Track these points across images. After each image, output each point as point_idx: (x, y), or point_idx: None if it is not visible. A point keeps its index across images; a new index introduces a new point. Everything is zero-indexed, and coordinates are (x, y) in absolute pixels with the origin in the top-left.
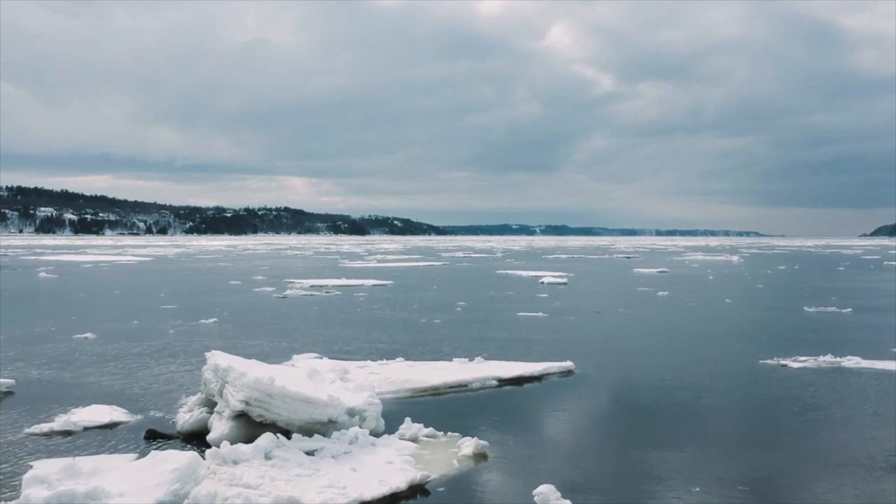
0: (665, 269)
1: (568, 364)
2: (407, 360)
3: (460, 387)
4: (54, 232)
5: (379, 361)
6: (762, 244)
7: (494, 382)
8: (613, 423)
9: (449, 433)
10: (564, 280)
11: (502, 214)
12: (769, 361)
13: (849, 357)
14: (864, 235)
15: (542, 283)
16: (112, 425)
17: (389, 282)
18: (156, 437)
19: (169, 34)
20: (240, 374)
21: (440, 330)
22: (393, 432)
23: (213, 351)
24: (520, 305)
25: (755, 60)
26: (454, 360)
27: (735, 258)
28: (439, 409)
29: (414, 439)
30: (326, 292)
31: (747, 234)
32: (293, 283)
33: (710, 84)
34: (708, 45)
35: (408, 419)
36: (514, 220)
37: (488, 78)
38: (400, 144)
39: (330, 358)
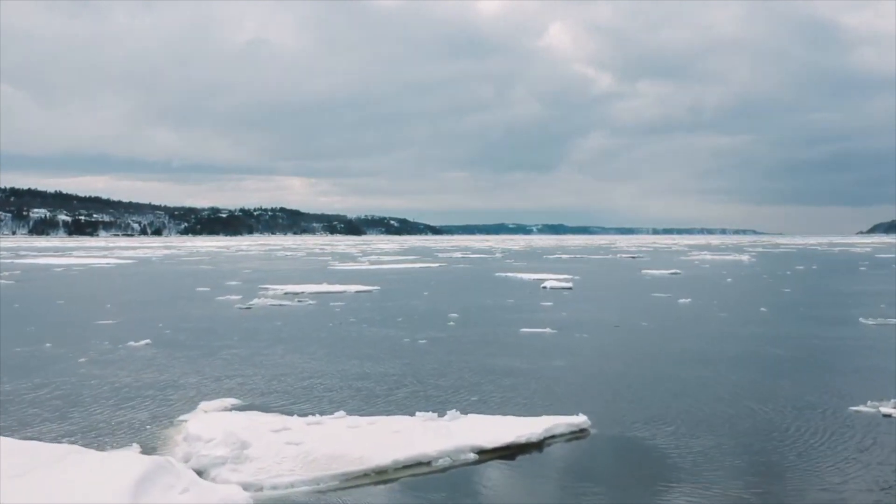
0: (677, 271)
1: (581, 420)
2: (352, 413)
3: (419, 466)
4: (48, 234)
5: (311, 417)
6: (765, 242)
7: (472, 457)
8: None
9: None
10: (570, 284)
11: (499, 214)
12: (862, 408)
13: None
14: (861, 233)
15: (545, 287)
16: None
17: (376, 287)
18: None
19: (168, 35)
20: None
21: (420, 357)
22: None
23: None
24: (521, 317)
25: (755, 59)
26: (418, 414)
27: (745, 258)
28: None
29: None
30: (299, 301)
31: (744, 232)
32: (267, 289)
33: (710, 83)
34: (708, 44)
35: None
36: (510, 219)
37: (488, 77)
38: (399, 144)
39: (249, 408)
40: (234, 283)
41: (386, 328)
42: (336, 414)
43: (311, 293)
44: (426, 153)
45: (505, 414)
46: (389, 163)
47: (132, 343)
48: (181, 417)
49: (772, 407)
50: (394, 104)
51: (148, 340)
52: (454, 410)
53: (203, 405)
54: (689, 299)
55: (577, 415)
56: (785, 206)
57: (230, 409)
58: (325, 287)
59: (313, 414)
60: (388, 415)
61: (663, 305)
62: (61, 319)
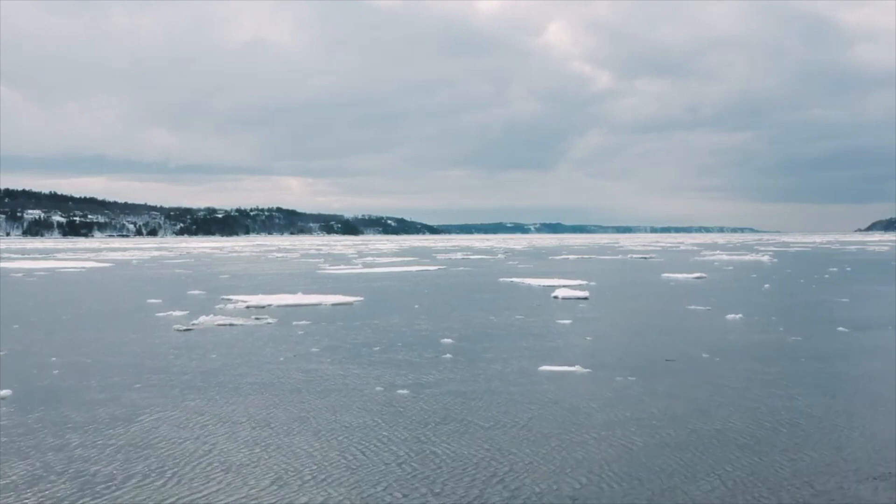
0: (701, 275)
1: None
2: None
3: None
4: (42, 235)
5: None
6: (772, 241)
7: None
8: None
9: None
10: (585, 293)
11: (497, 213)
12: None
13: None
14: (860, 230)
15: (557, 297)
16: None
17: (359, 298)
18: None
19: (166, 34)
20: None
21: (388, 433)
22: None
23: None
24: (536, 345)
25: (753, 56)
26: None
27: (765, 258)
28: None
29: None
30: (257, 319)
31: (742, 229)
32: (228, 301)
33: (708, 80)
34: (706, 42)
35: None
36: (508, 217)
37: (486, 76)
38: (396, 143)
39: None
40: (196, 291)
41: (355, 365)
42: None
43: (277, 307)
44: (424, 152)
45: None
46: (387, 162)
47: None
48: None
49: None
50: (392, 103)
51: (8, 391)
52: None
53: None
54: (739, 315)
55: None
56: (783, 204)
57: None
58: (297, 298)
59: None
60: None
61: (710, 324)
62: None
